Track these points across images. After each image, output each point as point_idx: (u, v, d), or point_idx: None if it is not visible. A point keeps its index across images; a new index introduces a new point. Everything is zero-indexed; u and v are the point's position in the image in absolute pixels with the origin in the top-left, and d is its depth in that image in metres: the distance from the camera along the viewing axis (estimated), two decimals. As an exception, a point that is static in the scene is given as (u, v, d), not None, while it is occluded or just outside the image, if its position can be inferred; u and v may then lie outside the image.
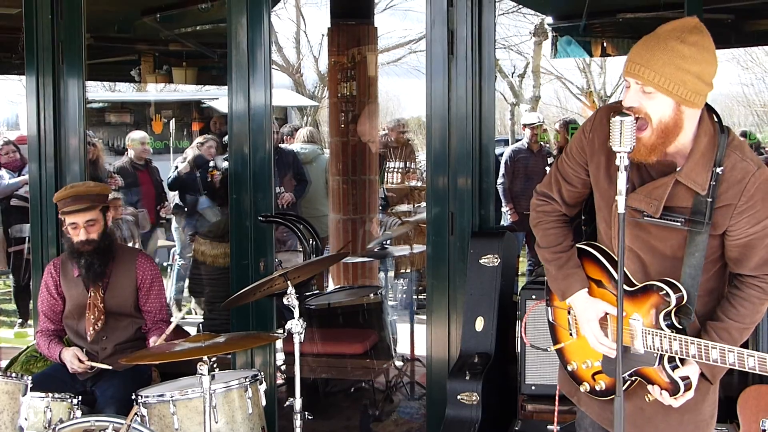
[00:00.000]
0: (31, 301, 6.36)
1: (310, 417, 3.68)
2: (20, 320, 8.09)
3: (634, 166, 2.52)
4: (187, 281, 7.70)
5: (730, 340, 2.54)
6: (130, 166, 8.17)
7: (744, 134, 8.41)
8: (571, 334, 2.81)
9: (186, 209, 8.02)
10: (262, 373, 3.82)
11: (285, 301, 3.60)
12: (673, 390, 2.55)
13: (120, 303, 4.27)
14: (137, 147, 8.25)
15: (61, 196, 4.20)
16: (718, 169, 2.47)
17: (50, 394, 3.70)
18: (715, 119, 2.55)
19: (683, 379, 2.54)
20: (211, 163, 7.78)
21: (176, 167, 8.02)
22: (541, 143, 8.61)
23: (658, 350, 2.52)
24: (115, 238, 4.41)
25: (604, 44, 8.01)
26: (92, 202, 4.17)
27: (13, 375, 3.72)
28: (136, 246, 7.45)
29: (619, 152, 2.37)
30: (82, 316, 4.23)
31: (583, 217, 2.91)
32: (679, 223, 2.52)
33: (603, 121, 2.61)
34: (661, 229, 2.57)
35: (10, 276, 8.43)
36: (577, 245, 2.80)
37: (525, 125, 8.69)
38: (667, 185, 2.51)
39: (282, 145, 8.14)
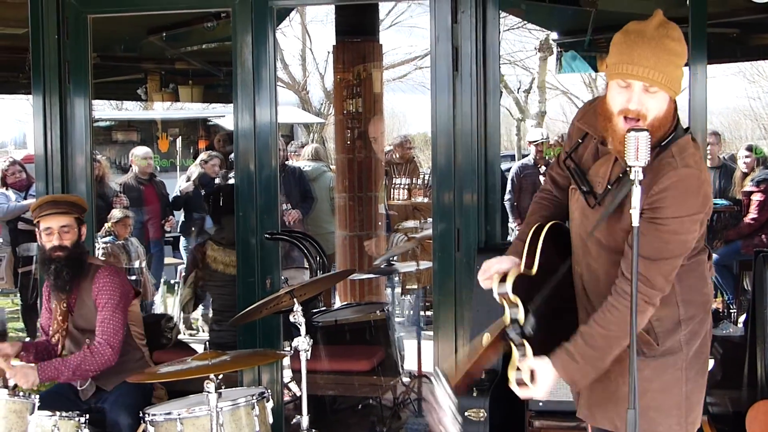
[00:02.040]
0: (39, 320, 6.36)
1: (317, 434, 3.68)
2: (28, 338, 8.09)
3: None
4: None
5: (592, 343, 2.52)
6: (134, 181, 8.21)
7: (750, 148, 8.35)
8: None
9: (193, 228, 8.03)
10: (269, 391, 3.80)
11: (291, 319, 3.60)
12: None
13: (87, 321, 4.12)
14: (141, 163, 8.30)
15: (38, 203, 4.13)
16: None
17: (58, 413, 3.70)
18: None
19: None
20: (217, 181, 7.78)
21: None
22: (548, 158, 8.63)
23: None
24: (86, 256, 4.23)
25: (609, 59, 8.01)
26: (68, 208, 4.09)
27: (21, 394, 3.74)
28: (142, 266, 7.44)
29: (635, 166, 2.35)
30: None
31: None
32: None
33: (586, 107, 2.79)
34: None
35: (18, 295, 8.45)
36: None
37: (530, 142, 8.77)
38: (609, 160, 2.58)
39: (288, 162, 8.16)
